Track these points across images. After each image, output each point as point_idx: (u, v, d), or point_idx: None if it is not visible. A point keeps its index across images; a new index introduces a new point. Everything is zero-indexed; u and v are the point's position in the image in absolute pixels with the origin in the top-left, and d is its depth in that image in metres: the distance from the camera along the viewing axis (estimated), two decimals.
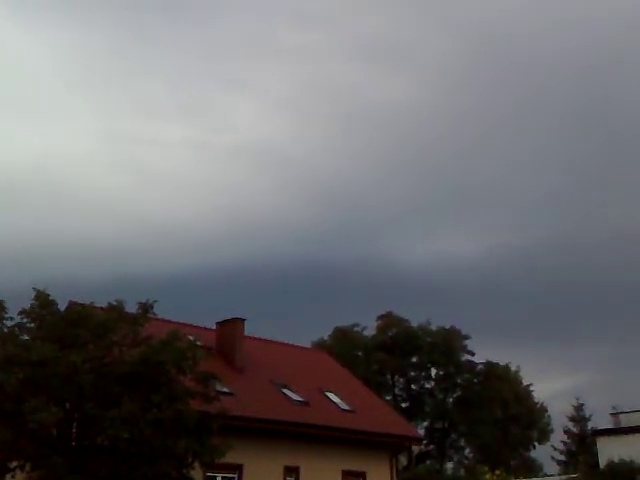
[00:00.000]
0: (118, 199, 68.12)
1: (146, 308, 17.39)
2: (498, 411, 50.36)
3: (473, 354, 51.94)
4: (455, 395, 53.31)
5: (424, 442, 47.47)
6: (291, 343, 30.33)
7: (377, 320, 53.28)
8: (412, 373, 53.62)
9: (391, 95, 74.07)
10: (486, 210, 78.15)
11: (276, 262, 70.35)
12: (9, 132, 65.70)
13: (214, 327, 25.76)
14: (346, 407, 25.97)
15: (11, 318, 16.56)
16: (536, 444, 52.69)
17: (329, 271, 70.87)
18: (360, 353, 50.88)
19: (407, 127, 78.04)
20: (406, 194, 78.31)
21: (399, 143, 76.72)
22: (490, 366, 51.60)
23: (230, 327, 25.14)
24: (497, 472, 37.13)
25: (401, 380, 53.98)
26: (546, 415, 53.10)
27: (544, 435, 52.31)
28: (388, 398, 48.71)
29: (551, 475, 44.94)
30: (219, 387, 19.26)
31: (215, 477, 20.41)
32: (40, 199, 63.91)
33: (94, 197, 66.47)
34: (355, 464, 24.67)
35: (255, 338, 26.95)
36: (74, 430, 15.95)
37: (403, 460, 43.32)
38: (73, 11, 66.69)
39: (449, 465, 51.45)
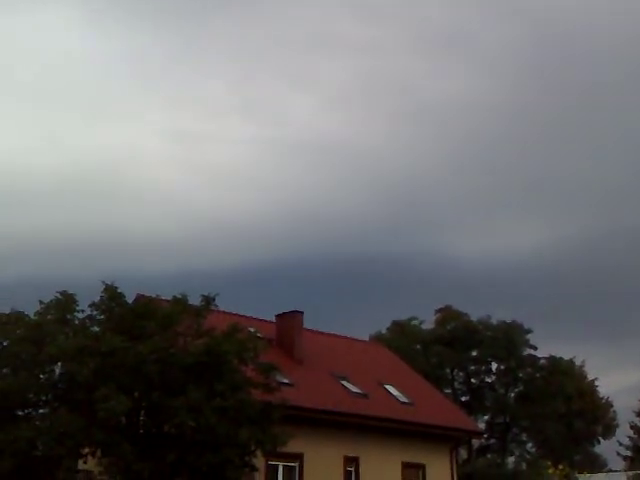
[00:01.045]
0: (183, 196, 69.21)
1: (208, 301, 17.88)
2: (561, 406, 49.53)
3: (535, 348, 51.15)
4: (517, 389, 52.68)
5: (484, 436, 47.07)
6: (349, 336, 30.58)
7: (436, 314, 53.09)
8: (472, 367, 53.19)
9: (456, 87, 73.17)
10: (549, 202, 76.61)
11: (334, 256, 70.62)
12: (81, 131, 67.38)
13: (273, 320, 26.21)
14: (405, 400, 26.05)
15: (82, 311, 17.27)
16: (601, 439, 51.67)
17: (386, 265, 70.73)
18: (418, 347, 50.74)
19: (473, 119, 76.92)
20: (468, 187, 77.34)
21: (464, 136, 75.75)
22: (553, 361, 50.76)
23: (289, 320, 25.54)
24: (560, 467, 36.53)
25: (461, 374, 53.63)
26: (611, 410, 52.00)
27: (609, 430, 51.24)
28: (447, 392, 48.46)
29: (616, 471, 43.97)
30: (279, 378, 19.66)
31: (277, 465, 20.89)
32: (109, 197, 65.52)
33: (161, 194, 67.66)
34: (415, 456, 24.76)
35: (313, 331, 27.28)
36: (142, 418, 16.56)
37: (463, 453, 43.08)
38: (142, 11, 68.13)
39: (510, 459, 50.89)
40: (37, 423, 15.94)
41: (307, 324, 26.22)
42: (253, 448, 16.59)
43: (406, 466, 24.54)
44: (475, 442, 46.01)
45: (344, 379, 24.99)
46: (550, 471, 36.38)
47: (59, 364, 16.44)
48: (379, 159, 75.96)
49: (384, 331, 51.76)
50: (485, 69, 74.97)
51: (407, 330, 51.63)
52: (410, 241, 74.12)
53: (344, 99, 77.55)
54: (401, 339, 48.48)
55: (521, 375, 51.88)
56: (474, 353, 52.38)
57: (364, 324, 54.23)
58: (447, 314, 52.40)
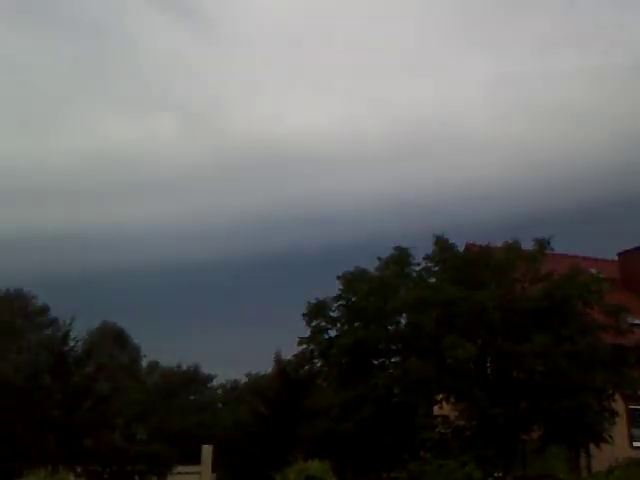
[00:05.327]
0: (509, 139, 66.63)
1: (543, 244, 17.29)
2: None
3: None
4: None
5: None
6: None
7: None
8: None
9: None
10: None
11: None
12: (403, 90, 68.00)
13: (616, 259, 24.43)
14: None
15: (417, 264, 17.90)
16: None
17: None
18: None
19: None
20: None
21: None
22: None
23: (635, 257, 23.61)
24: None
25: None
26: None
27: None
28: None
29: None
30: (630, 319, 18.27)
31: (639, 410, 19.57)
32: (440, 148, 65.48)
33: (487, 140, 65.79)
34: None
35: None
36: (488, 365, 16.70)
37: None
38: None
39: None
40: (391, 372, 17.00)
41: None
42: (610, 392, 15.73)
43: None
44: None
45: None
46: None
47: (403, 315, 17.29)
48: None
49: None
50: None
51: None
52: None
53: None
54: None
55: None
56: None
57: None
58: None
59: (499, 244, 17.79)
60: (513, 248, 17.16)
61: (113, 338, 38.07)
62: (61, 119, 60.07)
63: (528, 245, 17.41)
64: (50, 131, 58.87)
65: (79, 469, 19.71)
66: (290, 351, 20.04)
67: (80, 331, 22.11)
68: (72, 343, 20.93)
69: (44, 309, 35.97)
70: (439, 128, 63.07)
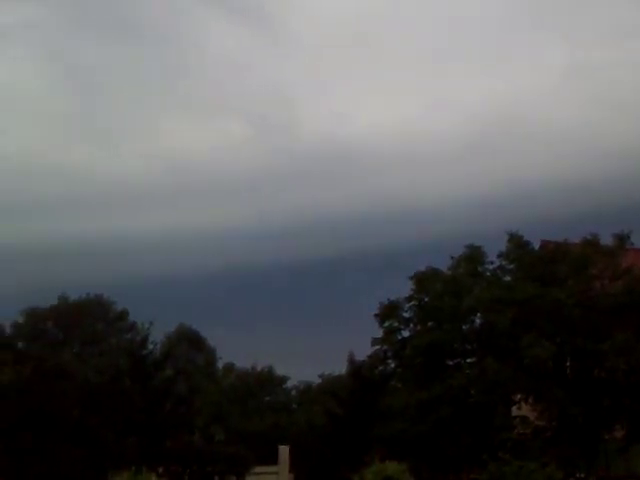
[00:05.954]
0: (586, 131, 63.92)
1: (622, 239, 16.80)
2: None
3: None
4: None
5: None
6: None
7: None
8: None
9: None
10: None
11: None
12: (476, 85, 65.91)
13: None
14: None
15: (491, 262, 17.63)
16: None
17: None
18: None
19: None
20: None
21: None
22: None
23: None
24: None
25: None
26: None
27: None
28: None
29: None
30: None
31: None
32: (513, 143, 63.34)
33: (561, 133, 63.37)
34: None
35: None
36: (568, 364, 16.30)
37: None
38: None
39: None
40: (467, 372, 16.78)
41: None
42: None
43: None
44: None
45: None
46: None
47: (478, 315, 17.05)
48: None
49: None
50: None
51: None
52: None
53: None
54: None
55: None
56: None
57: None
58: None
59: (577, 241, 17.37)
60: (591, 243, 16.73)
61: (189, 341, 38.88)
62: (128, 125, 61.66)
63: (607, 240, 16.95)
64: (118, 137, 60.60)
65: (160, 470, 20.28)
66: (363, 352, 20.04)
67: (158, 335, 22.69)
68: (151, 347, 21.51)
69: (124, 314, 37.08)
70: (512, 123, 61.40)
